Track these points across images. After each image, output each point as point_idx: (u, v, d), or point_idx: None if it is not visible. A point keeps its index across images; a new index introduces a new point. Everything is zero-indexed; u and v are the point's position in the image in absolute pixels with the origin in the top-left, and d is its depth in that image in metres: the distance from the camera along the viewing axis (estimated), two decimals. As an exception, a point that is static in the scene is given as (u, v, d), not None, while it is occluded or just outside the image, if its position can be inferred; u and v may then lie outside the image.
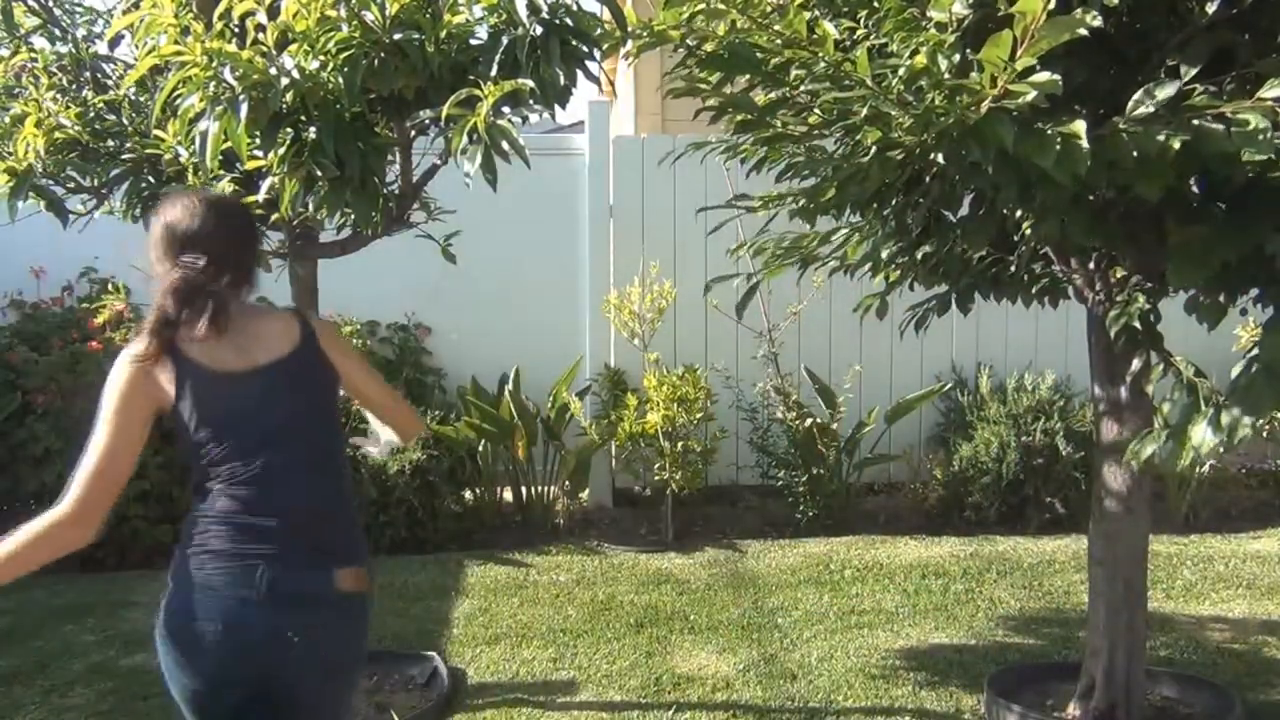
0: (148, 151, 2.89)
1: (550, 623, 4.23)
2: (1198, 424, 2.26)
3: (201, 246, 1.89)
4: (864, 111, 2.21)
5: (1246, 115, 1.93)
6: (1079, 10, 1.90)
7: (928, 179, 2.71)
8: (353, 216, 2.92)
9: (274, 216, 2.77)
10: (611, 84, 3.30)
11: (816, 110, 2.45)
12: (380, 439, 2.38)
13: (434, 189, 3.16)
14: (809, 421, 5.60)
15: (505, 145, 2.37)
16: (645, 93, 7.56)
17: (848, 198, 2.80)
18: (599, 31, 2.64)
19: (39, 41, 3.22)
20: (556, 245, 6.27)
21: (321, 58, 2.46)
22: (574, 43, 2.56)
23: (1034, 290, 3.30)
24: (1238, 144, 1.91)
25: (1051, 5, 1.85)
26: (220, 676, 1.84)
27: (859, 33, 2.41)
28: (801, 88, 2.41)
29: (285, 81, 2.45)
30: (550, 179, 6.10)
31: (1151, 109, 2.04)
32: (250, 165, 2.63)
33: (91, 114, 3.02)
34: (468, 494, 5.75)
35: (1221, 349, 5.54)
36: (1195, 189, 2.33)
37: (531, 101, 2.50)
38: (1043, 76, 1.93)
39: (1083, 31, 1.88)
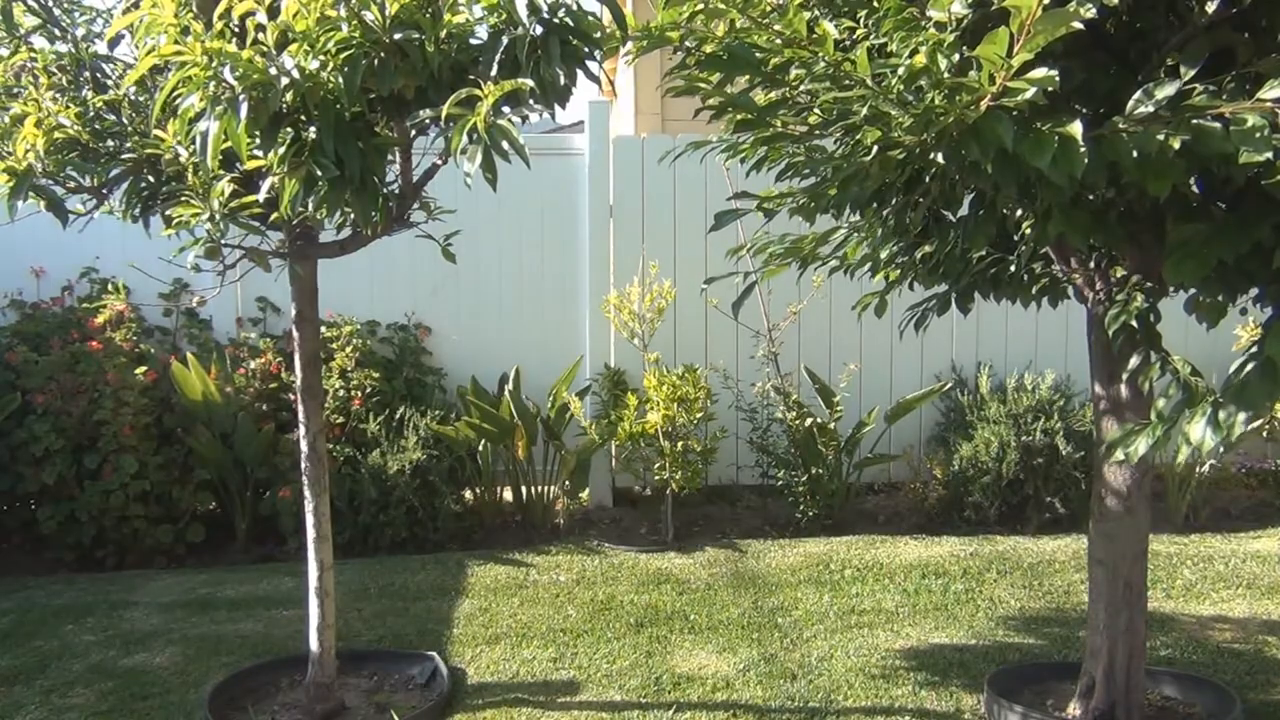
0: (148, 151, 2.88)
1: (550, 622, 4.24)
2: (1196, 422, 2.26)
3: None
4: (864, 111, 2.21)
5: (1245, 115, 1.93)
6: (1074, 4, 1.90)
7: (928, 179, 2.71)
8: (353, 216, 2.93)
9: (274, 216, 2.77)
10: (611, 84, 3.30)
11: (816, 110, 2.44)
12: None
13: (434, 189, 3.16)
14: (809, 421, 5.61)
15: (505, 145, 2.37)
16: (645, 92, 7.57)
17: (848, 197, 2.80)
18: (599, 33, 2.64)
19: (38, 41, 3.22)
20: (556, 245, 6.28)
21: (321, 58, 2.46)
22: (574, 42, 2.56)
23: (1034, 290, 3.30)
24: (1236, 143, 1.91)
25: (1048, 0, 1.85)
26: None
27: (859, 32, 2.41)
28: (801, 87, 2.41)
29: (285, 81, 2.45)
30: (550, 179, 6.13)
31: (1151, 109, 2.03)
32: (250, 165, 2.62)
33: (91, 114, 3.01)
34: (468, 494, 5.76)
35: (1222, 349, 5.56)
36: (1195, 189, 2.34)
37: (531, 101, 2.50)
38: (1040, 73, 1.93)
39: (1078, 25, 1.88)
